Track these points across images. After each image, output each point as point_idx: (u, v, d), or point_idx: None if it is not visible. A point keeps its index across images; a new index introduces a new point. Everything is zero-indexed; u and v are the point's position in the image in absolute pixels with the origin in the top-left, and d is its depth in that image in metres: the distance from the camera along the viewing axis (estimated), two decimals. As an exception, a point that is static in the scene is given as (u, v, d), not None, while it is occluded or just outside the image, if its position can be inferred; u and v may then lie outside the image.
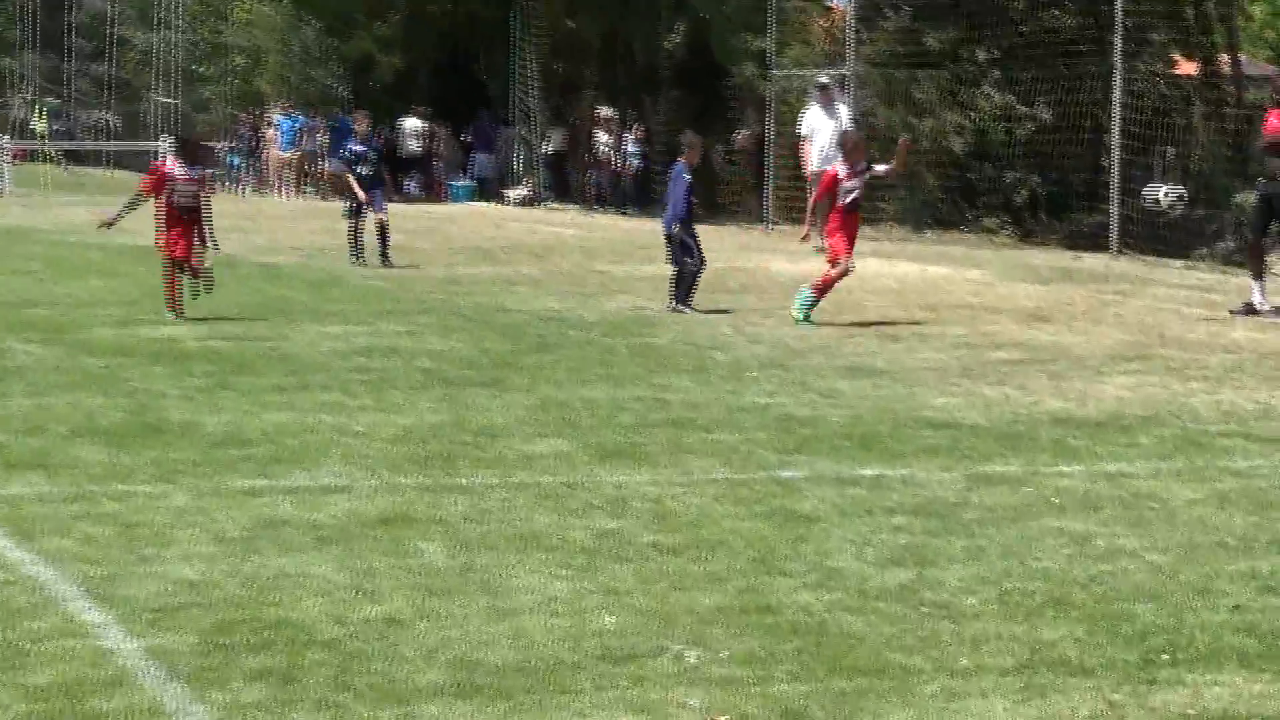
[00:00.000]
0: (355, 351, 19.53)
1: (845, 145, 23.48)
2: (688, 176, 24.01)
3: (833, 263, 22.36)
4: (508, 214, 47.78)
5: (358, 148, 31.63)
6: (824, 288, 22.20)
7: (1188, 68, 40.95)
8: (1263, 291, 23.64)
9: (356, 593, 9.70)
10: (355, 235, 30.68)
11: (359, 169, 31.09)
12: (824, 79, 35.57)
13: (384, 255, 30.32)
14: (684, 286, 23.66)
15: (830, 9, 44.90)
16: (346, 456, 13.62)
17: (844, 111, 34.44)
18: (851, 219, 22.46)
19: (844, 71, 39.23)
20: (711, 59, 46.20)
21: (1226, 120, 37.15)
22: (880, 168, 23.37)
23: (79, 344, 19.81)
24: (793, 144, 36.64)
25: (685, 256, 23.68)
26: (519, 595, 9.69)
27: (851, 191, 22.16)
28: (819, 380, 17.72)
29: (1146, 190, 22.83)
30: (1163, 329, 22.19)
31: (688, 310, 23.33)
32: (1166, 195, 22.62)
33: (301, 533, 11.07)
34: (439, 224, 42.00)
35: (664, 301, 23.82)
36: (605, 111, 50.27)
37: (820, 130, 33.83)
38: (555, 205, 50.51)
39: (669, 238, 23.91)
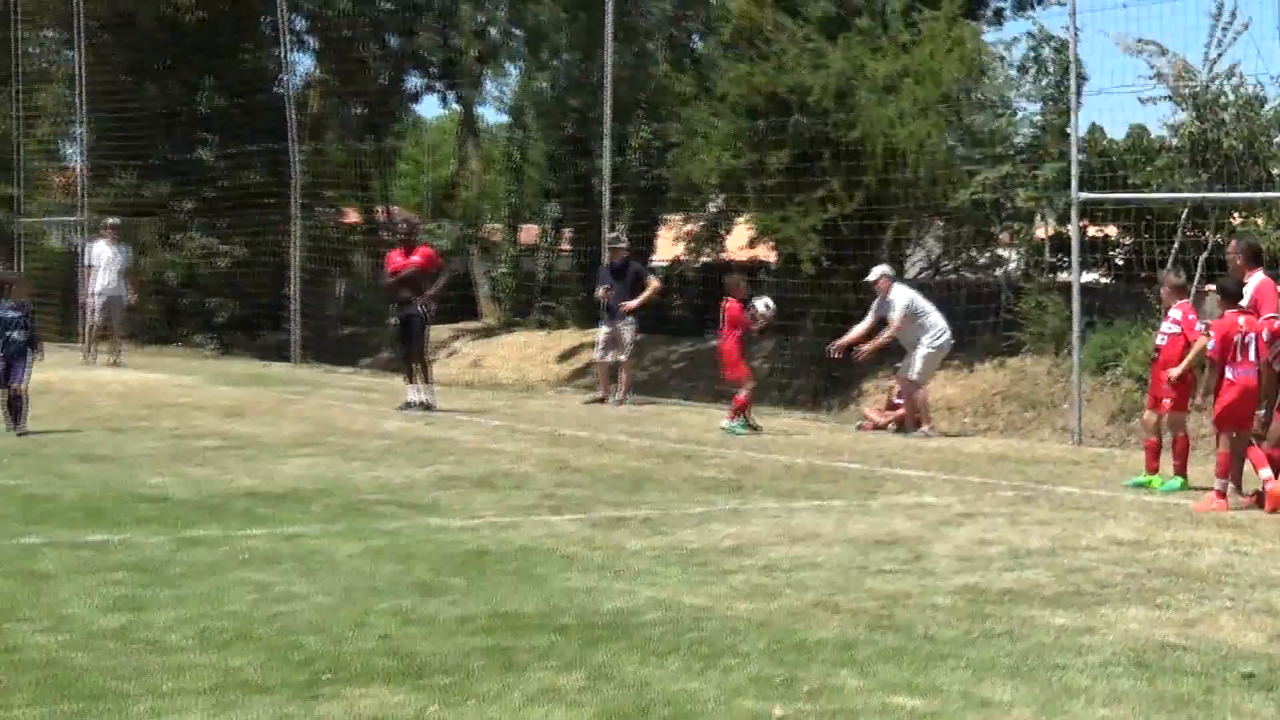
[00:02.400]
0: None
1: None
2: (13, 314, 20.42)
3: None
4: None
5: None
6: None
7: (352, 216, 41.60)
8: (414, 392, 24.01)
9: None
10: None
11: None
12: (113, 219, 33.16)
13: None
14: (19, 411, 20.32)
15: (66, 167, 43.96)
16: None
17: (127, 250, 32.41)
18: None
19: (79, 218, 38.46)
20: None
21: (379, 256, 37.72)
22: None
23: None
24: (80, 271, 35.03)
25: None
26: None
27: None
28: (58, 466, 17.28)
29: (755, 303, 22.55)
30: (333, 421, 22.35)
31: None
32: (767, 306, 22.51)
33: None
34: None
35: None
36: None
37: (106, 262, 31.75)
38: None
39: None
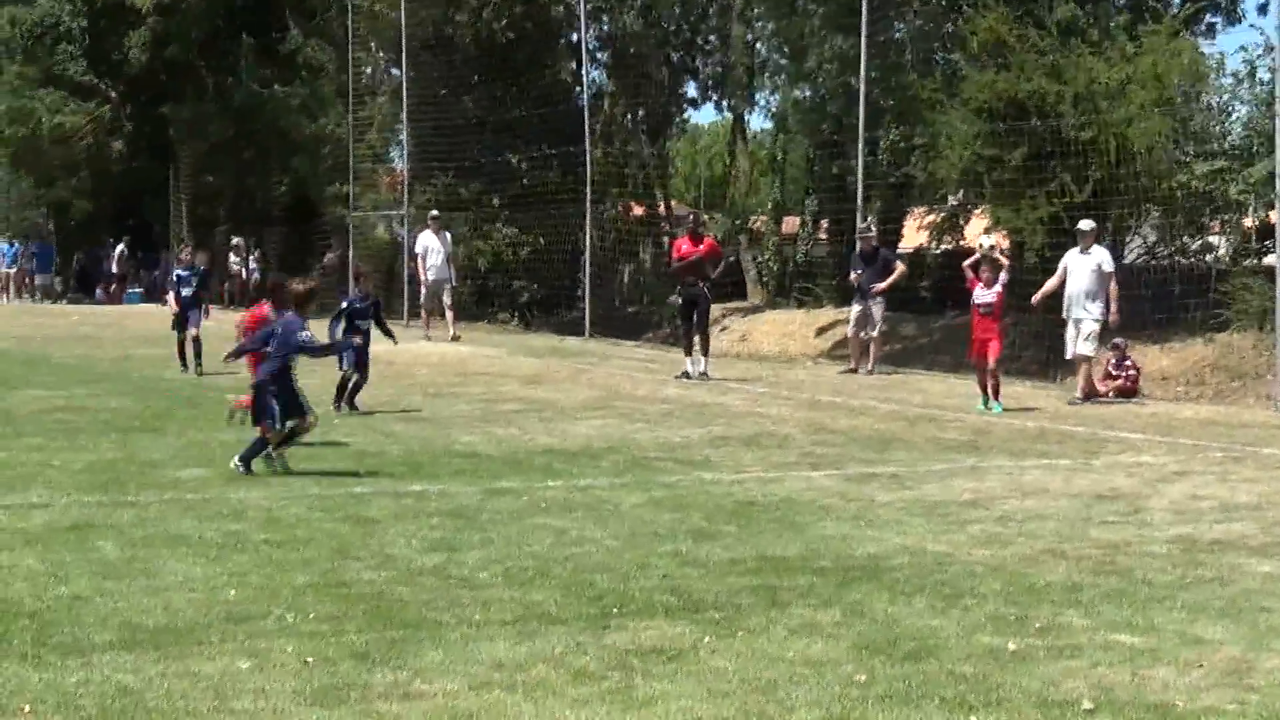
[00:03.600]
0: (54, 409, 18.92)
1: None
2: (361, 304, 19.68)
3: None
4: (166, 311, 46.39)
5: (182, 273, 25.25)
6: None
7: (636, 210, 41.78)
8: (691, 363, 24.08)
9: (52, 578, 9.41)
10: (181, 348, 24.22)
11: (181, 290, 24.65)
12: (435, 212, 33.55)
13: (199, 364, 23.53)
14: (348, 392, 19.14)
15: (393, 169, 44.84)
16: (46, 483, 13.20)
17: (448, 237, 32.48)
18: None
19: (403, 212, 39.19)
20: (309, 203, 45.66)
21: (661, 246, 38.01)
22: None
23: None
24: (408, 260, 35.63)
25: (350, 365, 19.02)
26: (169, 577, 9.49)
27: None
28: (383, 426, 17.63)
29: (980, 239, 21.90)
30: (619, 388, 22.49)
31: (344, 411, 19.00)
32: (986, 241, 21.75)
33: (11, 536, 10.71)
34: (116, 320, 40.82)
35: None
36: (236, 240, 49.58)
37: (432, 249, 31.79)
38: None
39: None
